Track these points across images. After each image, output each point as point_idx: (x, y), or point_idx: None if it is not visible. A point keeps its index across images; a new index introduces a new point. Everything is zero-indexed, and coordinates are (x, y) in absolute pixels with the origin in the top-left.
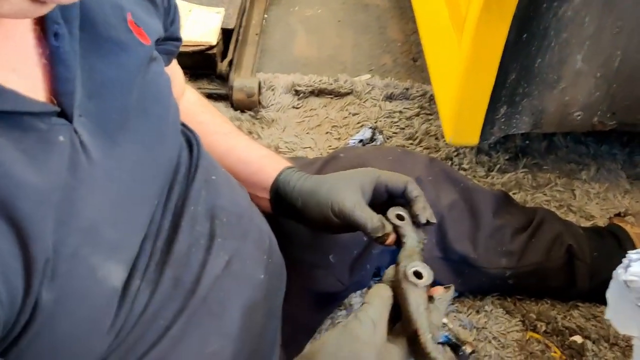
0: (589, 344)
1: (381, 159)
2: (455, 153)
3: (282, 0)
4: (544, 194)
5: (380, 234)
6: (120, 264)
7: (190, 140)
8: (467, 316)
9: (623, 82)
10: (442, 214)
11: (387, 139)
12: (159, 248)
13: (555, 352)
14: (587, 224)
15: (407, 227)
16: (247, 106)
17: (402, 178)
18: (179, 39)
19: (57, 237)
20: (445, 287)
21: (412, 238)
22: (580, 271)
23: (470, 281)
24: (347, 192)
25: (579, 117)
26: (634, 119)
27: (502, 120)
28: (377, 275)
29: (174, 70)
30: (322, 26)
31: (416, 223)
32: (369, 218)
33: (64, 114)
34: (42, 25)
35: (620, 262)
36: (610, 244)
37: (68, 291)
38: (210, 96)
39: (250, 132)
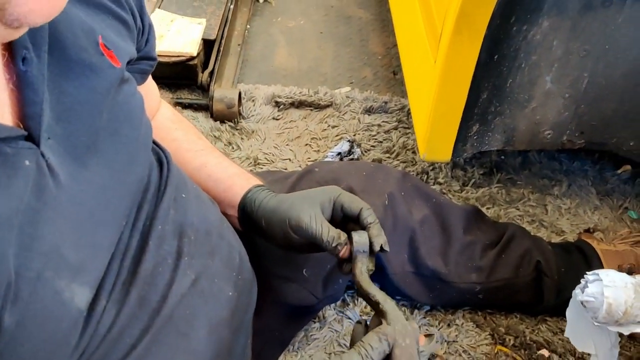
0: (555, 357)
1: (354, 174)
2: (431, 167)
3: (265, 11)
4: (517, 209)
5: (334, 244)
6: (85, 285)
7: (160, 158)
8: (439, 329)
9: (590, 103)
10: (414, 229)
11: (365, 152)
12: (126, 268)
13: None
14: (558, 239)
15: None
16: (227, 117)
17: (359, 203)
18: (153, 59)
19: (19, 261)
20: (427, 336)
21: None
22: (548, 287)
23: (441, 295)
24: (304, 207)
25: (549, 136)
26: (601, 138)
27: (475, 137)
28: (351, 288)
29: (149, 86)
30: (304, 38)
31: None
32: (325, 229)
33: (31, 138)
34: (10, 49)
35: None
36: (577, 260)
37: (31, 314)
38: (190, 106)
39: (229, 143)
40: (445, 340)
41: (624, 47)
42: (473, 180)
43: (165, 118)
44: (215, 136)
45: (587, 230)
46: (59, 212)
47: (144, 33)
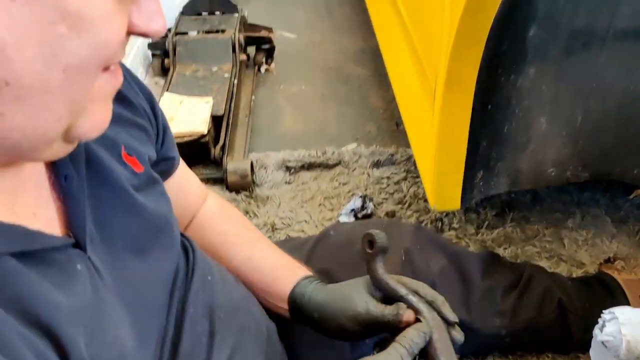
0: None
1: None
2: (445, 214)
3: (267, 80)
4: (534, 246)
5: (397, 317)
6: None
7: (185, 246)
8: None
9: (588, 138)
10: (433, 281)
11: (378, 205)
12: (167, 350)
13: None
14: (579, 272)
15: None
16: (241, 187)
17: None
18: (172, 158)
19: (90, 352)
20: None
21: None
22: (574, 324)
23: (468, 343)
24: (357, 297)
25: (553, 173)
26: (604, 169)
27: (481, 183)
28: (379, 346)
29: (187, 179)
30: (307, 101)
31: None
32: (381, 308)
33: (78, 245)
34: (52, 169)
35: None
36: (600, 293)
37: None
38: (206, 181)
39: (246, 212)
40: None
41: (611, 82)
42: (487, 222)
43: (211, 212)
44: (234, 206)
45: (607, 260)
46: (111, 306)
47: (159, 135)
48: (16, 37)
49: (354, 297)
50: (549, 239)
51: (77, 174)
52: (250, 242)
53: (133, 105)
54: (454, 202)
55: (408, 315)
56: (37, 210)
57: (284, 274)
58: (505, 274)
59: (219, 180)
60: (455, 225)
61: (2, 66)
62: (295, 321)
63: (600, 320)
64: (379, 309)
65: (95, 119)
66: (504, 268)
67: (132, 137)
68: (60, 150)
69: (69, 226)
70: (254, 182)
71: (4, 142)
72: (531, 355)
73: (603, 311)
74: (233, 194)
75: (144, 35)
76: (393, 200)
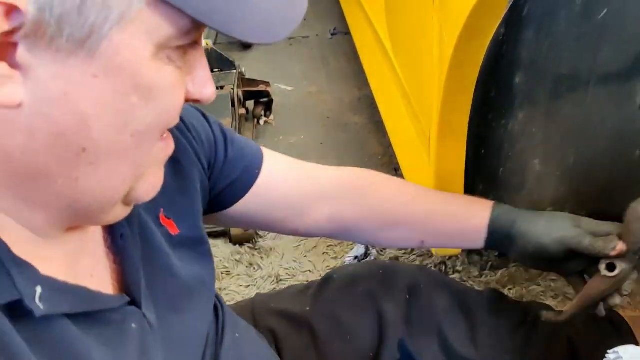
0: None
1: (372, 275)
2: (448, 257)
3: (267, 132)
4: (538, 285)
5: (612, 247)
6: None
7: (216, 306)
8: None
9: (583, 177)
10: (439, 318)
11: (380, 252)
12: None
13: None
14: None
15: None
16: (245, 239)
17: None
18: (247, 167)
19: None
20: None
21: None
22: None
23: None
24: (567, 222)
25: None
26: (602, 207)
27: None
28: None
29: (285, 171)
30: (307, 151)
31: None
32: (593, 239)
33: (134, 302)
34: (109, 230)
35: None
36: (608, 330)
37: None
38: (210, 235)
39: (250, 264)
40: None
41: (599, 122)
42: (490, 263)
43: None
44: (236, 260)
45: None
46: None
47: (218, 147)
48: (97, 109)
49: (565, 221)
50: (553, 277)
51: (131, 233)
52: (419, 196)
53: (180, 167)
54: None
55: (621, 246)
56: (95, 271)
57: (475, 207)
58: (512, 312)
59: (222, 234)
60: (458, 267)
61: (82, 135)
62: (490, 248)
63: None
64: (588, 238)
65: (151, 183)
66: (510, 305)
67: (172, 200)
68: (121, 212)
69: (122, 285)
70: (257, 233)
71: (76, 205)
72: None
73: (607, 351)
74: (237, 247)
75: (197, 101)
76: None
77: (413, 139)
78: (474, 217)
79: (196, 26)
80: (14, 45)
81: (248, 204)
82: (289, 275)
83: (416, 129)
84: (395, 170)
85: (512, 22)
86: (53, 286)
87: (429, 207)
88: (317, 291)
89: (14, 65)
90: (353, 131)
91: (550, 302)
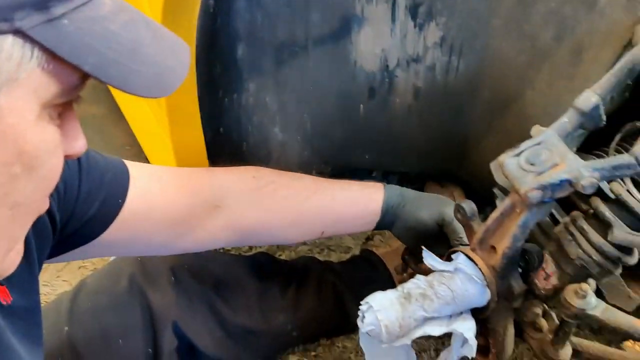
0: None
1: (131, 266)
2: None
3: None
4: (305, 244)
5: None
6: None
7: None
8: None
9: (321, 138)
10: (208, 294)
11: None
12: None
13: None
14: (348, 256)
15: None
16: None
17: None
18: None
19: None
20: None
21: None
22: (350, 304)
23: (259, 349)
24: (449, 204)
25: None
26: (344, 161)
27: None
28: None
29: (154, 191)
30: None
31: None
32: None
33: None
34: None
35: (380, 285)
36: (366, 269)
37: None
38: None
39: None
40: None
41: (324, 84)
42: None
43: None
44: None
45: (368, 239)
46: None
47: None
48: None
49: (443, 201)
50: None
51: None
52: (318, 188)
53: None
54: None
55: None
56: None
57: (369, 191)
58: (280, 271)
59: None
60: None
61: None
62: (378, 228)
63: (359, 313)
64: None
65: (16, 256)
66: (278, 265)
67: None
68: None
69: None
70: None
71: None
72: (325, 345)
73: (360, 303)
74: None
75: (70, 157)
76: None
77: (152, 125)
78: (370, 200)
79: (83, 82)
80: None
81: (116, 234)
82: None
83: (155, 114)
84: (147, 160)
85: None
86: None
87: (328, 197)
88: (72, 305)
89: None
90: (95, 124)
91: (317, 256)
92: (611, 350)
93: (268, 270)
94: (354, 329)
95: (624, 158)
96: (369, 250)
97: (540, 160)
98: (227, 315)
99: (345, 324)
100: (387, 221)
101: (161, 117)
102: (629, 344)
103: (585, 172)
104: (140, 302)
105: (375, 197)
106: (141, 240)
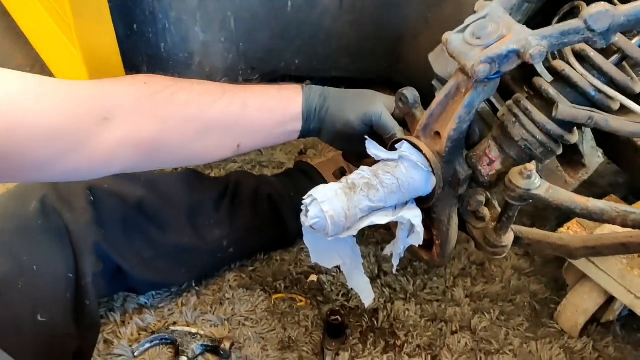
0: (323, 277)
1: (42, 190)
2: None
3: None
4: (235, 162)
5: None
6: None
7: None
8: (213, 314)
9: (247, 39)
10: (134, 215)
11: None
12: None
13: (301, 301)
14: (280, 171)
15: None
16: None
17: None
18: None
19: None
20: None
21: None
22: (287, 214)
23: (194, 267)
24: (378, 100)
25: (226, 81)
26: (272, 67)
27: None
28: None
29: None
30: None
31: None
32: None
33: None
34: None
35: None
36: (301, 179)
37: None
38: None
39: None
40: (225, 319)
41: None
42: None
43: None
44: None
45: (301, 152)
46: None
47: None
48: None
49: (371, 97)
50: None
51: None
52: (225, 92)
53: None
54: None
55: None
56: None
57: (286, 93)
58: (212, 186)
59: None
60: None
61: None
62: (303, 136)
63: (302, 207)
64: (393, 121)
65: None
66: (209, 181)
67: None
68: None
69: None
70: None
71: None
72: (262, 265)
73: (303, 198)
74: None
75: None
76: None
77: (56, 35)
78: (288, 104)
79: None
80: None
81: None
82: None
83: (57, 22)
84: None
85: None
86: None
87: (239, 103)
88: None
89: None
90: None
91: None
92: (549, 234)
93: (197, 186)
94: (292, 241)
95: (572, 23)
96: (303, 162)
97: (487, 33)
98: (155, 234)
99: (282, 236)
100: (312, 128)
101: (66, 20)
102: (562, 229)
103: (533, 41)
104: (54, 223)
105: (293, 100)
106: (12, 159)
